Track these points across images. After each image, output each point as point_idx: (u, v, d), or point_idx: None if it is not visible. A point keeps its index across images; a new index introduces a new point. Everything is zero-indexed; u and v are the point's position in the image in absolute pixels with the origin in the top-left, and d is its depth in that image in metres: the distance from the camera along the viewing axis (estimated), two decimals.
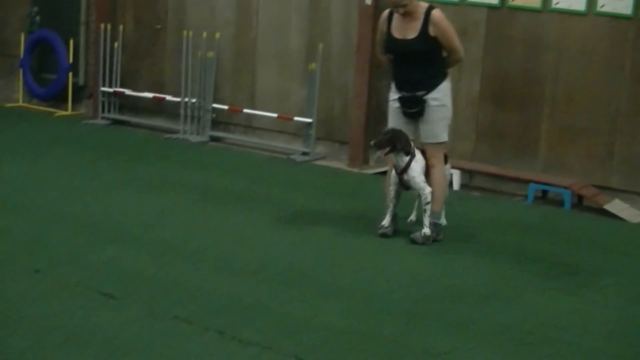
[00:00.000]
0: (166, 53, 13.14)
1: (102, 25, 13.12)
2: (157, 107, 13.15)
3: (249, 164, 11.00)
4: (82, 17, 13.75)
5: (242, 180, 10.03)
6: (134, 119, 13.23)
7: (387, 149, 7.64)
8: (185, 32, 12.40)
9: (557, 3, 9.96)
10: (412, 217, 8.31)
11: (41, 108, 13.94)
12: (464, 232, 8.29)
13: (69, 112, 13.66)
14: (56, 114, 13.58)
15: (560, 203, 9.71)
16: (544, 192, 10.05)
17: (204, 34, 12.23)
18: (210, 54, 12.26)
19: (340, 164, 11.18)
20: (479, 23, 10.44)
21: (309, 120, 11.43)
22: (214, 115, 12.44)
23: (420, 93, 7.71)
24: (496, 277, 7.00)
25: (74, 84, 13.71)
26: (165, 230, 7.80)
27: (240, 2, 12.34)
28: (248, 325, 5.66)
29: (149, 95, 12.94)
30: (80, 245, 7.18)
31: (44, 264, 6.63)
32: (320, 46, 11.35)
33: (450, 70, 7.91)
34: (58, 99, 13.85)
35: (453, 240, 7.96)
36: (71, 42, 13.51)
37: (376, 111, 10.86)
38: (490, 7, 10.35)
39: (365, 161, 11.23)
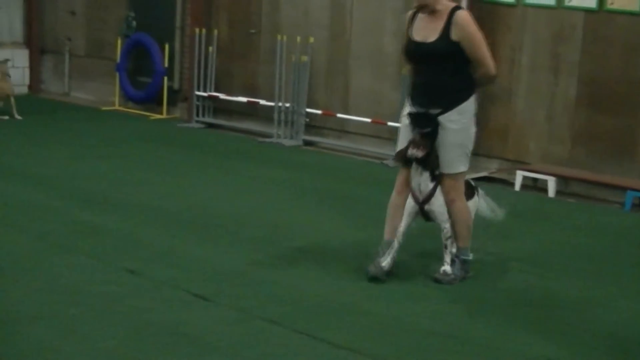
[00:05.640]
0: (260, 57, 13.20)
1: (197, 30, 13.27)
2: (251, 111, 13.22)
3: (343, 168, 10.99)
4: (178, 22, 13.92)
5: (335, 183, 10.02)
6: (227, 123, 13.33)
7: (427, 151, 6.40)
8: (279, 36, 12.46)
9: None
10: None
11: (137, 111, 14.15)
12: (558, 238, 8.15)
13: (164, 115, 13.84)
14: (151, 117, 13.76)
15: None
16: None
17: (298, 38, 12.25)
18: (304, 58, 12.28)
19: None
20: (576, 26, 10.25)
21: None
22: (307, 120, 12.46)
23: (435, 111, 6.42)
24: (591, 283, 6.86)
25: (169, 88, 13.89)
26: (257, 229, 7.84)
27: (334, 4, 12.35)
28: (337, 327, 5.63)
29: (243, 99, 13.03)
30: (173, 243, 7.27)
31: (138, 262, 6.71)
32: None
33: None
34: (153, 103, 14.05)
35: (547, 246, 7.84)
36: (166, 46, 13.69)
37: None
38: (588, 11, 10.16)
39: None
